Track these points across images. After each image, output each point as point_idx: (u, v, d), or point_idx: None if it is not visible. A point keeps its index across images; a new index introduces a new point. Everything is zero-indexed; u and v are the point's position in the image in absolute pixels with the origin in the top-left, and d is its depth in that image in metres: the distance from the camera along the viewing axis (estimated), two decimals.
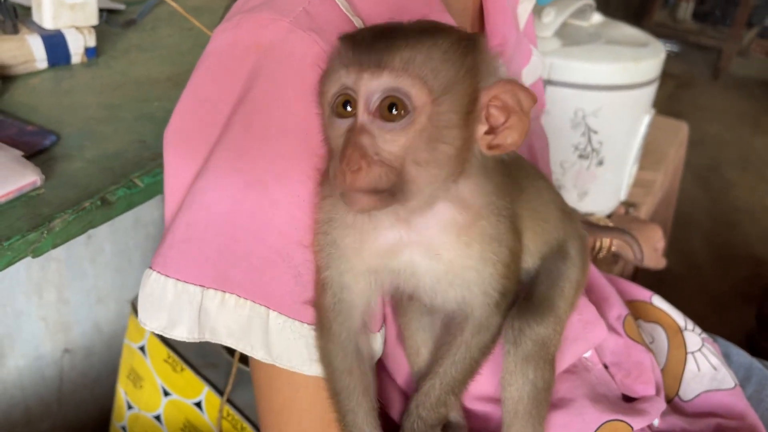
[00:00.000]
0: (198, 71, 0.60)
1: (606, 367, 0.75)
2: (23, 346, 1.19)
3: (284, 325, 0.57)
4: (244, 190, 0.56)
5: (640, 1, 4.51)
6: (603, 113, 1.28)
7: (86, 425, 1.34)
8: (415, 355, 0.66)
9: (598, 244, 0.96)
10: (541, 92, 1.01)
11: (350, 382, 0.58)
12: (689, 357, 0.85)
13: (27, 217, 0.68)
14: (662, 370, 0.83)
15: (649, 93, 1.33)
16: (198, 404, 1.06)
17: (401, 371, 0.68)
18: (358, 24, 0.59)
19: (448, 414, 0.65)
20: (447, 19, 0.65)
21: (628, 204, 1.46)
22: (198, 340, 0.59)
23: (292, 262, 0.56)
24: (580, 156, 1.31)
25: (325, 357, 0.58)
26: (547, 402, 0.62)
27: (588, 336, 0.72)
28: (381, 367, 0.69)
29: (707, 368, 0.85)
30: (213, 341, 0.58)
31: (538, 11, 1.27)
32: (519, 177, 0.59)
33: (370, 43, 0.48)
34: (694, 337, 0.86)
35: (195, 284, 0.57)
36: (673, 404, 0.83)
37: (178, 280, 0.57)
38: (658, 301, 0.89)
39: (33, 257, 0.68)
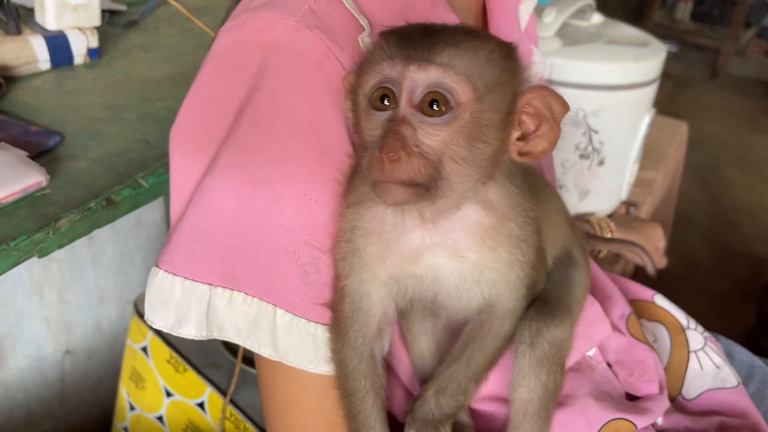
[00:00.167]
0: (204, 70, 0.60)
1: (609, 365, 0.75)
2: (25, 347, 1.19)
3: (291, 323, 0.57)
4: (252, 189, 0.56)
5: (639, 2, 4.52)
6: (604, 113, 1.28)
7: (88, 426, 1.34)
8: (419, 358, 0.66)
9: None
10: None
11: (364, 384, 0.59)
12: (692, 356, 0.85)
13: (33, 217, 0.68)
14: (665, 369, 0.83)
15: (650, 93, 1.33)
16: (201, 405, 1.06)
17: (403, 367, 0.68)
18: (364, 23, 0.59)
19: (467, 404, 0.64)
20: (451, 18, 0.65)
21: (628, 203, 1.46)
22: (205, 338, 0.59)
23: (299, 260, 0.57)
24: (581, 156, 1.32)
25: (340, 359, 0.58)
26: (554, 404, 0.62)
27: (592, 334, 0.72)
28: None
29: (710, 367, 0.85)
30: (220, 339, 0.58)
31: (538, 11, 1.28)
32: (532, 183, 0.60)
33: (417, 38, 0.48)
34: (696, 335, 0.86)
35: (203, 282, 0.57)
36: (677, 403, 0.83)
37: (186, 278, 0.57)
38: (661, 300, 0.89)
39: (39, 257, 0.68)
